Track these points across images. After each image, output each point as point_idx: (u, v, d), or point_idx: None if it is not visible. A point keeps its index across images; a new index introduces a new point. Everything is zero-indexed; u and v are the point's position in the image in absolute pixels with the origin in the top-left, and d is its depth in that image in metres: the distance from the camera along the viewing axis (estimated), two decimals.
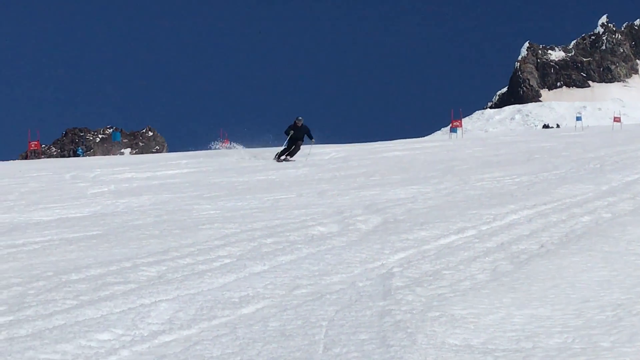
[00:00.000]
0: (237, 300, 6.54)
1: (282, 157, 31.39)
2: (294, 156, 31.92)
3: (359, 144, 47.21)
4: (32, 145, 67.65)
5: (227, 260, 8.30)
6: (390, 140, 49.31)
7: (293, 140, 31.78)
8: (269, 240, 9.53)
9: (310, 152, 32.79)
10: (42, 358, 5.09)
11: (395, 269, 7.59)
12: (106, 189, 19.87)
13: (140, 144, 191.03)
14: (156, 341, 5.45)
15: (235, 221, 11.54)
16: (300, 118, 31.84)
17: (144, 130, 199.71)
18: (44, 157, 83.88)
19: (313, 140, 32.29)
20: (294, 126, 31.81)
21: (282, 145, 32.88)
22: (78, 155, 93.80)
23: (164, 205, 14.98)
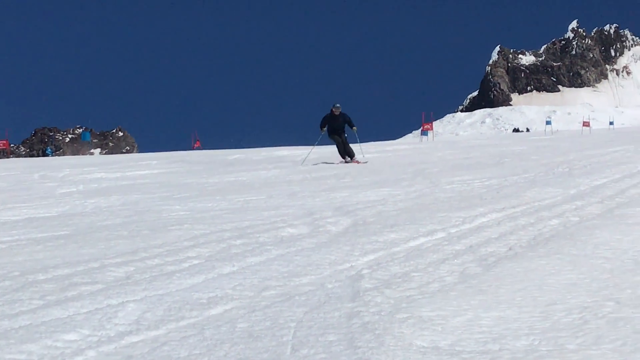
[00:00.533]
0: (205, 301, 6.52)
1: (345, 160, 27.50)
2: (355, 156, 27.83)
3: (329, 146, 47.23)
4: (1, 145, 67.33)
5: (196, 261, 8.27)
6: (362, 142, 49.31)
7: (332, 133, 27.73)
8: (238, 242, 9.51)
9: (366, 159, 28.47)
10: (7, 358, 5.05)
11: (364, 271, 7.59)
12: (75, 189, 19.78)
13: (110, 144, 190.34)
14: (123, 342, 5.42)
15: (204, 222, 11.51)
16: (337, 105, 27.59)
17: (114, 131, 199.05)
18: (12, 157, 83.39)
19: (355, 128, 27.90)
20: (330, 116, 27.52)
21: (315, 143, 29.56)
22: (47, 155, 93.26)
23: (133, 205, 14.92)
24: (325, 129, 27.69)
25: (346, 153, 27.65)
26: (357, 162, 27.04)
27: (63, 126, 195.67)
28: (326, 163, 27.31)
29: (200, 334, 5.51)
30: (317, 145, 29.54)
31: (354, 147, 29.15)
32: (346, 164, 26.71)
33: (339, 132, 27.65)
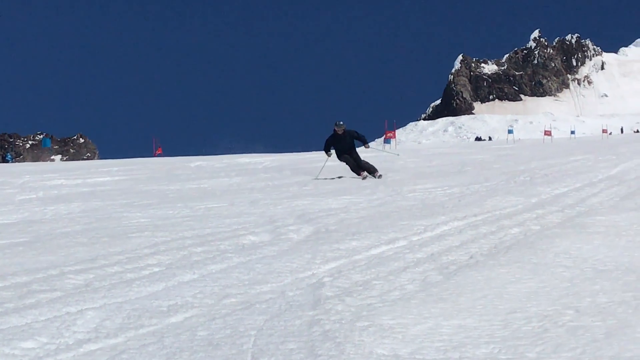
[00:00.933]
0: (165, 309, 6.47)
1: (362, 177, 22.61)
2: (377, 171, 23.05)
3: (292, 153, 47.24)
4: None
5: (156, 269, 8.22)
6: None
7: (341, 156, 23.46)
8: (199, 249, 9.47)
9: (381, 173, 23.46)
10: None
11: (325, 279, 7.57)
12: (34, 196, 19.63)
13: (71, 150, 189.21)
14: (81, 350, 5.37)
15: (165, 229, 11.45)
16: (341, 123, 23.07)
17: (75, 137, 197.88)
18: None
19: (367, 145, 24.03)
20: (333, 137, 23.23)
21: (324, 163, 25.34)
22: (7, 162, 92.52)
23: (93, 212, 14.82)
24: (330, 152, 23.69)
25: (364, 169, 23.05)
26: (380, 175, 22.84)
27: (23, 132, 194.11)
28: (341, 177, 23.63)
29: (159, 342, 5.47)
30: (329, 159, 24.63)
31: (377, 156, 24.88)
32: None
33: (345, 154, 23.31)
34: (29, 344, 5.46)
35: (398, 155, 23.29)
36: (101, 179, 26.17)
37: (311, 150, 51.50)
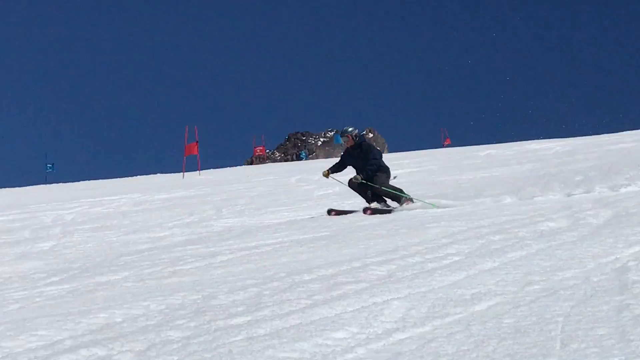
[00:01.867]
0: (468, 297, 6.51)
1: (370, 208, 14.59)
2: (408, 198, 15.14)
3: (583, 137, 46.03)
4: (258, 151, 70.29)
5: (456, 258, 8.28)
6: (617, 132, 47.63)
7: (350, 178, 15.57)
8: (497, 237, 9.45)
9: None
10: (281, 356, 5.21)
11: (630, 263, 7.36)
12: (331, 191, 20.28)
13: None
14: (391, 339, 5.47)
15: (461, 219, 11.50)
16: (349, 129, 15.65)
17: (364, 132, 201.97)
18: (268, 162, 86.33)
19: (359, 177, 15.34)
20: (346, 151, 16.09)
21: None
22: (301, 159, 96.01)
23: None
24: (328, 172, 16.16)
25: (376, 198, 15.36)
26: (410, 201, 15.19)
27: (315, 130, 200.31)
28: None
29: (466, 330, 5.50)
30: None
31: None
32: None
33: (365, 171, 15.37)
34: (340, 334, 5.63)
35: (434, 206, 14.88)
36: (394, 172, 26.64)
37: (603, 133, 49.83)
